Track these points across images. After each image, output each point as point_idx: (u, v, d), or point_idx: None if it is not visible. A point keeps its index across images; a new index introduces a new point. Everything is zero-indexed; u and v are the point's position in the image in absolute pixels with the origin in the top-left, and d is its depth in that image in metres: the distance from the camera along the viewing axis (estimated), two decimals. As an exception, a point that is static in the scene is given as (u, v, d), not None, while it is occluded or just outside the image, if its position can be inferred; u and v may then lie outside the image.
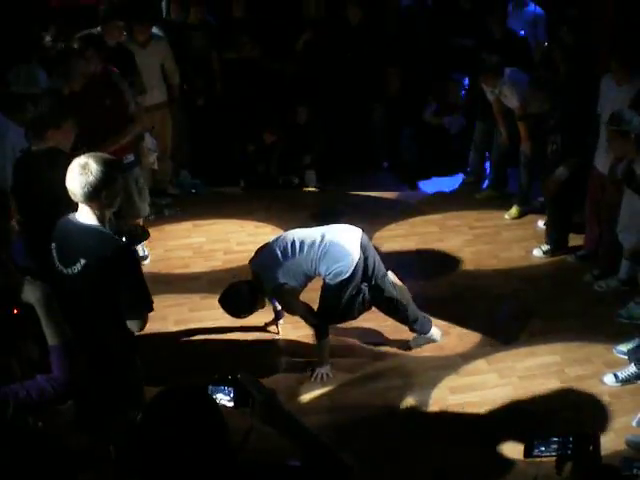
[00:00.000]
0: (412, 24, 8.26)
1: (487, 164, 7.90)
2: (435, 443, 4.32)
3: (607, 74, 5.81)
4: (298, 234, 4.83)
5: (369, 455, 4.13)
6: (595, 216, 6.11)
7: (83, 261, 3.38)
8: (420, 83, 8.23)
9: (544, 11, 8.01)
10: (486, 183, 7.84)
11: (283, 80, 7.79)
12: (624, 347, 5.00)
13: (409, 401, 4.69)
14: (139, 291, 3.45)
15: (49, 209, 3.94)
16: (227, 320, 5.52)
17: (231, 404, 2.33)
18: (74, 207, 3.51)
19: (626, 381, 4.77)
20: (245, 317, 4.94)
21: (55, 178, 3.97)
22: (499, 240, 6.76)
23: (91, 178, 3.31)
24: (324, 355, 4.89)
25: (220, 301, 4.89)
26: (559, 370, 4.97)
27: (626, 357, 4.93)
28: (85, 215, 3.42)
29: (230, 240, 6.72)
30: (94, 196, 3.34)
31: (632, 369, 4.78)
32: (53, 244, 3.55)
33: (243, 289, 4.84)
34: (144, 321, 3.50)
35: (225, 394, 2.33)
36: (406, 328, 5.13)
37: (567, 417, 4.50)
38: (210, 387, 2.34)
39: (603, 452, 3.93)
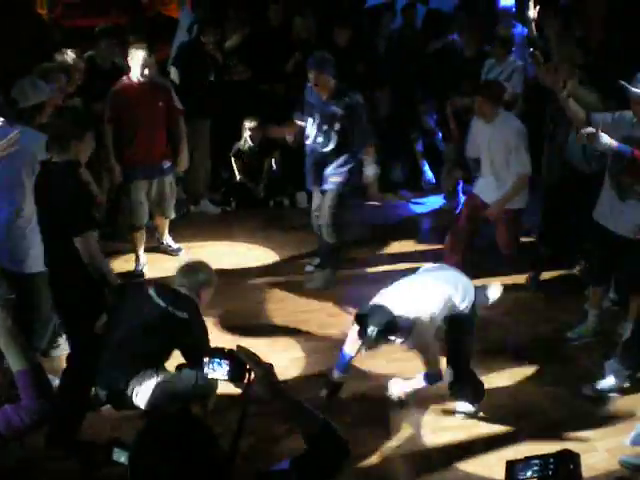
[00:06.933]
0: (401, 47, 8.33)
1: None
2: (425, 465, 4.31)
3: (474, 117, 6.06)
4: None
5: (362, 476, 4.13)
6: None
7: None
8: (409, 105, 8.28)
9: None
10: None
11: (273, 101, 7.83)
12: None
13: (401, 423, 4.67)
14: None
15: (60, 219, 4.16)
16: (220, 341, 5.51)
17: (225, 377, 2.27)
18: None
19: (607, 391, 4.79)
20: None
21: (67, 190, 4.19)
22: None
23: None
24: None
25: None
26: (551, 390, 4.96)
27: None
28: None
29: (223, 261, 6.70)
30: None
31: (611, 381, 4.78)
32: None
33: None
34: None
35: (220, 367, 2.28)
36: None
37: (560, 436, 4.48)
38: (205, 359, 2.29)
39: (595, 472, 3.95)
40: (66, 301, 4.32)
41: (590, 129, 4.57)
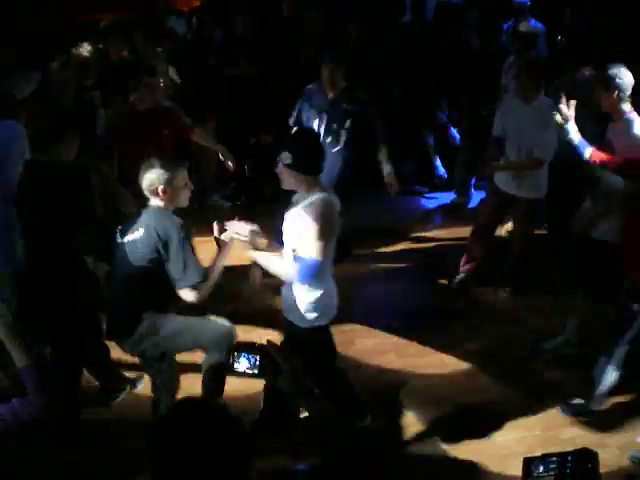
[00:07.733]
0: (412, 40, 8.29)
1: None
2: (439, 461, 4.30)
3: (507, 94, 6.05)
4: None
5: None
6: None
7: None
8: (421, 98, 8.23)
9: (544, 26, 8.04)
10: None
11: (283, 96, 7.81)
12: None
13: (413, 419, 4.66)
14: None
15: (49, 221, 4.11)
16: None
17: (255, 372, 2.29)
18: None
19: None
20: None
21: (48, 190, 4.12)
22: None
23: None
24: None
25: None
26: (561, 387, 4.93)
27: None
28: None
29: (232, 257, 6.66)
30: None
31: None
32: None
33: None
34: None
35: (249, 362, 2.30)
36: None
37: (571, 434, 4.48)
38: (235, 354, 2.30)
39: (607, 469, 3.91)
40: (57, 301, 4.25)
41: (562, 116, 4.57)
